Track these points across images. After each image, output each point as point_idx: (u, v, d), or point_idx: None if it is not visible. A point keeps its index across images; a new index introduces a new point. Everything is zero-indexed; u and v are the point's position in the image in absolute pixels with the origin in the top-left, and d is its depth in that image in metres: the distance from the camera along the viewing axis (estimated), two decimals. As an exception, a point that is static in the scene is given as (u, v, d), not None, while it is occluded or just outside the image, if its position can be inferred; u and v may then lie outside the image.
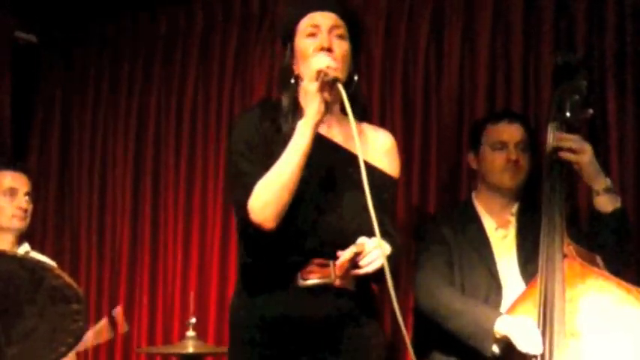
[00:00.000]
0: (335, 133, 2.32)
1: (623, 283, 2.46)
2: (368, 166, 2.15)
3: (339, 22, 2.28)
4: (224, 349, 2.66)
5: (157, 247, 4.00)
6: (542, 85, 3.20)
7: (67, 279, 2.30)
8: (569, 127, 2.66)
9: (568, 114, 2.66)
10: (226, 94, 3.90)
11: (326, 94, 2.14)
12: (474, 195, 2.94)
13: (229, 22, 3.93)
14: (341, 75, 2.18)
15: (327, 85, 2.13)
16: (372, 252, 2.13)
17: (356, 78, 2.30)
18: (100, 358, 4.05)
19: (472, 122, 3.20)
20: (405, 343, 2.07)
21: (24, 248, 3.29)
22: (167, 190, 4.01)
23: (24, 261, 2.36)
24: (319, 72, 2.13)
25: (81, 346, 3.12)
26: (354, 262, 2.15)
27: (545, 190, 2.63)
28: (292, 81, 2.29)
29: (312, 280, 2.21)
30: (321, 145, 2.22)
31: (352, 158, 2.16)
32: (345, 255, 2.14)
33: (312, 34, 2.26)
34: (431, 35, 3.44)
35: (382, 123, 3.50)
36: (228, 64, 3.90)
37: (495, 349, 2.52)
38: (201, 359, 3.27)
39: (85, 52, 4.36)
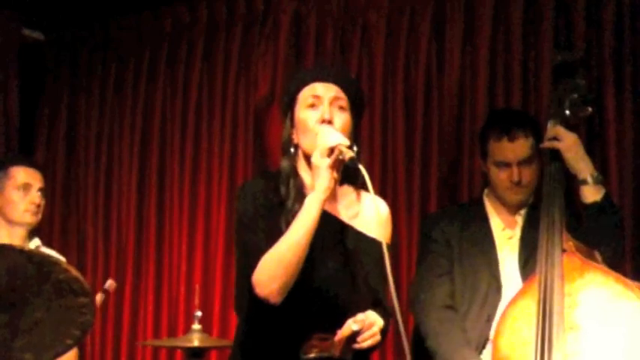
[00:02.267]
0: (329, 202, 2.24)
1: (622, 277, 2.46)
2: (356, 233, 2.19)
3: (341, 93, 2.24)
4: (228, 342, 2.68)
5: (162, 242, 4.04)
6: (541, 83, 3.23)
7: (75, 272, 2.32)
8: (568, 125, 2.68)
9: (567, 112, 2.68)
10: (230, 90, 3.93)
11: (335, 173, 2.11)
12: (485, 193, 2.90)
13: (233, 21, 3.97)
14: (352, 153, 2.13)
15: (340, 163, 2.10)
16: (372, 328, 2.11)
17: (355, 149, 2.18)
18: (106, 350, 4.09)
19: (473, 121, 3.22)
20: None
21: (34, 243, 3.32)
22: (172, 185, 4.05)
23: (31, 255, 2.38)
24: (333, 149, 2.08)
25: None
26: (353, 337, 2.12)
27: (544, 186, 2.65)
28: (292, 150, 2.26)
29: (314, 355, 2.16)
30: (325, 219, 2.19)
31: (352, 232, 2.20)
32: (344, 332, 2.10)
33: (313, 105, 2.22)
34: (432, 34, 3.48)
35: (384, 121, 3.55)
36: (232, 61, 3.93)
37: None
38: (206, 352, 3.29)
39: (91, 49, 4.39)
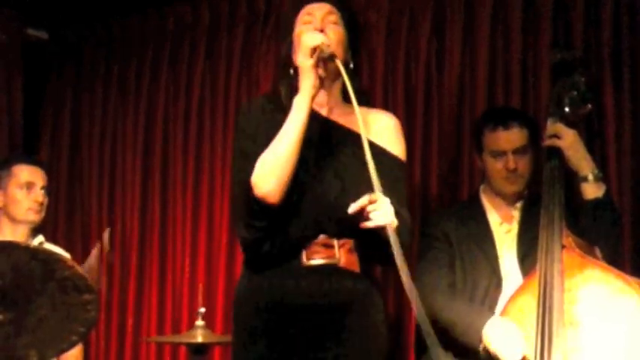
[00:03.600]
0: (336, 116, 2.36)
1: (622, 274, 2.48)
2: (371, 144, 2.17)
3: (334, 10, 2.36)
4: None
5: (165, 238, 4.05)
6: (540, 81, 3.24)
7: (79, 269, 2.35)
8: (567, 123, 2.71)
9: (566, 109, 2.71)
10: (233, 89, 3.94)
11: (320, 70, 2.21)
12: (481, 189, 2.95)
13: (235, 20, 3.98)
14: (337, 53, 2.24)
15: (323, 61, 2.20)
16: (385, 206, 2.09)
17: (351, 66, 2.32)
18: (110, 346, 4.11)
19: (473, 120, 3.23)
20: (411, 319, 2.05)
21: (38, 240, 3.34)
22: (175, 182, 4.06)
23: (36, 252, 2.41)
24: (314, 48, 2.18)
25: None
26: (364, 215, 2.11)
27: (544, 182, 2.67)
28: (291, 71, 2.33)
29: (317, 261, 2.22)
30: (322, 125, 2.28)
31: (354, 136, 2.21)
32: (359, 202, 2.09)
33: (308, 22, 2.34)
34: (432, 33, 3.49)
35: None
36: (234, 60, 3.95)
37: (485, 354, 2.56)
38: (210, 348, 3.30)
39: (94, 48, 4.40)
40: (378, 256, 2.24)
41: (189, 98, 4.08)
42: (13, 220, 3.28)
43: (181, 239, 4.00)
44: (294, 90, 2.29)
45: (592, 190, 2.68)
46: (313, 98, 2.21)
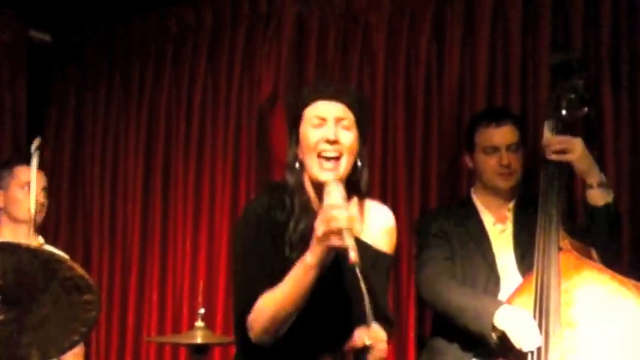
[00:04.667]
0: None
1: (618, 275, 2.49)
2: (364, 245, 2.17)
3: (346, 112, 2.22)
4: (232, 339, 2.70)
5: (166, 239, 4.08)
6: (539, 81, 3.25)
7: (80, 270, 2.36)
8: (565, 125, 2.72)
9: (564, 112, 2.72)
10: (234, 90, 3.97)
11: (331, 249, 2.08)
12: (472, 191, 2.98)
13: (237, 22, 4.00)
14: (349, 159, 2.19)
15: (339, 249, 2.06)
16: (380, 339, 2.10)
17: (359, 164, 2.23)
18: (111, 346, 4.13)
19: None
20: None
21: (38, 241, 3.36)
22: (177, 183, 4.08)
23: (38, 253, 2.42)
24: (337, 230, 2.01)
25: None
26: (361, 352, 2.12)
27: (542, 184, 2.68)
28: (297, 166, 2.25)
29: None
30: None
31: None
32: (355, 342, 2.10)
33: (318, 125, 2.21)
34: (432, 33, 3.51)
35: (385, 120, 3.58)
36: (236, 62, 3.97)
37: (497, 340, 2.55)
38: (210, 349, 3.30)
39: (97, 50, 4.43)
40: None
41: (191, 99, 4.10)
42: (15, 220, 3.30)
43: (182, 239, 4.02)
44: (301, 186, 2.24)
45: (601, 197, 2.68)
46: (322, 267, 2.07)
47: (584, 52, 3.12)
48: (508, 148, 2.84)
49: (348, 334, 2.13)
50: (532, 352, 2.46)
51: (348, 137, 2.21)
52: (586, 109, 2.74)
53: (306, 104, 2.25)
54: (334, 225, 2.01)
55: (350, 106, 2.23)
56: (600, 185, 2.68)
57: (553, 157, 2.68)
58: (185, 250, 4.00)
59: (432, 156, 3.47)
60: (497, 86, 3.37)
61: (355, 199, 2.28)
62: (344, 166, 2.19)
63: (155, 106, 4.21)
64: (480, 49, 3.40)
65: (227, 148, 3.94)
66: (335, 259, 2.10)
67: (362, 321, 2.09)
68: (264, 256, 2.17)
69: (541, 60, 3.25)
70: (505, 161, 2.83)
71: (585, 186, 2.71)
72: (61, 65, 4.54)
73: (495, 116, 2.91)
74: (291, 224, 2.20)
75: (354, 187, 2.24)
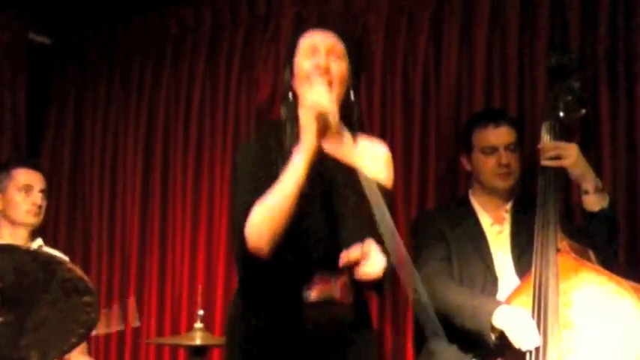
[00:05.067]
0: (331, 145, 2.27)
1: (615, 276, 2.50)
2: (366, 178, 2.15)
3: (338, 42, 2.28)
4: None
5: (165, 241, 4.08)
6: (537, 82, 3.25)
7: (79, 272, 2.36)
8: (562, 126, 2.73)
9: (561, 114, 2.74)
10: (233, 91, 3.97)
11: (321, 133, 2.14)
12: (470, 192, 2.98)
13: (236, 23, 4.01)
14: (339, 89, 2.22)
15: (326, 129, 2.13)
16: (375, 257, 2.11)
17: (352, 97, 2.28)
18: (110, 348, 4.14)
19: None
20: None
21: (37, 243, 3.35)
22: (175, 184, 4.09)
23: (37, 254, 2.43)
24: (321, 114, 2.10)
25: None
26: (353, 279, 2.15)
27: (539, 186, 2.69)
28: (291, 97, 2.30)
29: (315, 296, 2.20)
30: (321, 159, 2.21)
31: (350, 170, 2.18)
32: (351, 255, 2.11)
33: (311, 54, 2.27)
34: (430, 34, 3.51)
35: (383, 120, 3.58)
36: (234, 62, 3.97)
37: (495, 339, 2.55)
38: (209, 350, 3.31)
39: (97, 50, 4.44)
40: (372, 288, 2.26)
41: (190, 99, 4.11)
42: (13, 222, 3.31)
43: (181, 241, 4.03)
44: (294, 118, 2.27)
45: (597, 201, 2.69)
46: (313, 157, 2.15)
47: (582, 52, 3.12)
48: (506, 147, 2.85)
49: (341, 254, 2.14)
50: (530, 352, 2.46)
51: (339, 67, 2.26)
52: (583, 110, 2.75)
53: (301, 34, 2.33)
54: (317, 107, 2.10)
55: (343, 37, 2.31)
56: (596, 191, 2.69)
57: (547, 163, 2.69)
58: (184, 251, 4.01)
59: (429, 156, 3.48)
60: (495, 86, 3.37)
61: (348, 134, 2.27)
62: (334, 94, 2.20)
63: (154, 106, 4.22)
64: (478, 50, 3.40)
65: (226, 150, 3.95)
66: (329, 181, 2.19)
67: (355, 240, 2.11)
68: (259, 177, 2.22)
69: (539, 60, 3.25)
70: (504, 160, 2.83)
71: (581, 191, 2.72)
72: (61, 65, 4.55)
73: (493, 117, 2.92)
74: (283, 152, 2.23)
75: (346, 122, 2.25)
